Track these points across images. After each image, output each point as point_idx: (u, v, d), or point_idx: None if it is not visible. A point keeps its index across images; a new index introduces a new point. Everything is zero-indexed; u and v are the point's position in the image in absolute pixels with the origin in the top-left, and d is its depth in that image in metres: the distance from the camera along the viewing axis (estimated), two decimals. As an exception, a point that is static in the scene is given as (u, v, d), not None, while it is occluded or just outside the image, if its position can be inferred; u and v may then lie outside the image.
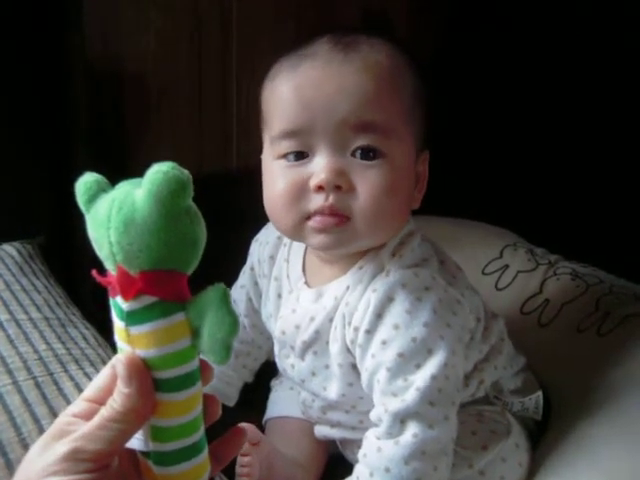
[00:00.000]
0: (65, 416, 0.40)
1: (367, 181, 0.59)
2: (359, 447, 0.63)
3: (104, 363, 0.66)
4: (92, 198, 0.38)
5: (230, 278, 0.81)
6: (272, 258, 0.75)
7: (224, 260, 0.72)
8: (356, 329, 0.63)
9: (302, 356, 0.69)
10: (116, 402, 0.38)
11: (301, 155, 0.61)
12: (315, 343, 0.68)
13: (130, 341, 0.38)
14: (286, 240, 0.74)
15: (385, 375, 0.61)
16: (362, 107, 0.59)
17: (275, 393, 0.86)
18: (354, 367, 0.66)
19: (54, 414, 0.57)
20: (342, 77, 0.59)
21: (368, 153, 0.60)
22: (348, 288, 0.65)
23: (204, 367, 0.40)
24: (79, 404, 0.40)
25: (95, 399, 0.40)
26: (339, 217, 0.60)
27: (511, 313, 0.89)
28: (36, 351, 0.66)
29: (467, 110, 1.22)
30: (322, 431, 0.76)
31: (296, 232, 0.63)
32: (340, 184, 0.59)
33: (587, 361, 0.78)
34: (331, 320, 0.66)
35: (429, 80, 0.66)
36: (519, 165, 1.23)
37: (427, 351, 0.60)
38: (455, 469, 0.62)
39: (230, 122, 1.05)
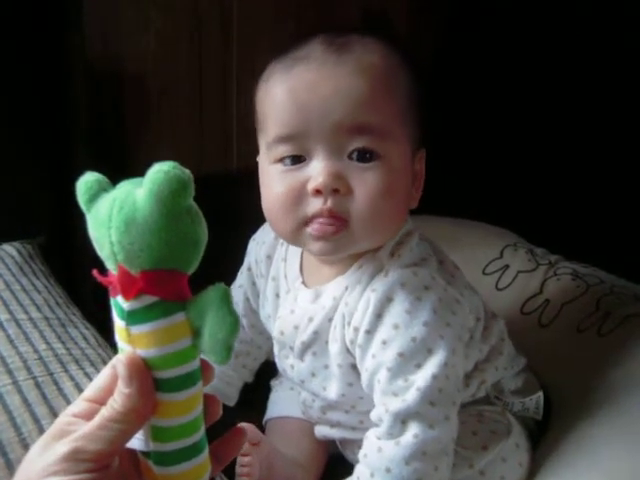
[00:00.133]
0: (65, 416, 0.40)
1: (364, 183, 0.59)
2: (359, 447, 0.63)
3: (104, 363, 0.66)
4: (93, 198, 0.38)
5: (230, 278, 0.81)
6: (269, 258, 0.75)
7: (224, 260, 0.72)
8: (356, 329, 0.63)
9: (301, 357, 0.69)
10: (117, 402, 0.38)
11: (298, 159, 0.61)
12: (314, 343, 0.68)
13: (131, 341, 0.38)
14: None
15: (385, 375, 0.61)
16: (357, 109, 0.59)
17: (275, 393, 0.86)
18: (354, 367, 0.66)
19: (54, 414, 0.57)
20: (336, 79, 0.59)
21: (365, 155, 0.60)
22: (347, 288, 0.65)
23: (205, 367, 0.40)
24: (79, 404, 0.40)
25: (95, 399, 0.40)
26: (337, 220, 0.60)
27: (511, 313, 0.89)
28: (36, 351, 0.66)
29: (467, 110, 1.22)
30: (322, 431, 0.76)
31: (295, 237, 0.63)
32: (338, 187, 0.59)
33: (587, 361, 0.78)
34: (330, 320, 0.66)
35: (424, 77, 0.65)
36: (519, 165, 1.23)
37: (427, 351, 0.60)
38: (455, 469, 0.62)
39: (230, 122, 1.05)
